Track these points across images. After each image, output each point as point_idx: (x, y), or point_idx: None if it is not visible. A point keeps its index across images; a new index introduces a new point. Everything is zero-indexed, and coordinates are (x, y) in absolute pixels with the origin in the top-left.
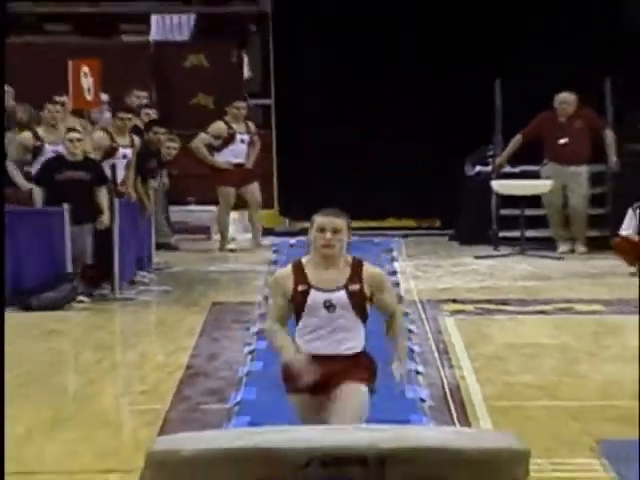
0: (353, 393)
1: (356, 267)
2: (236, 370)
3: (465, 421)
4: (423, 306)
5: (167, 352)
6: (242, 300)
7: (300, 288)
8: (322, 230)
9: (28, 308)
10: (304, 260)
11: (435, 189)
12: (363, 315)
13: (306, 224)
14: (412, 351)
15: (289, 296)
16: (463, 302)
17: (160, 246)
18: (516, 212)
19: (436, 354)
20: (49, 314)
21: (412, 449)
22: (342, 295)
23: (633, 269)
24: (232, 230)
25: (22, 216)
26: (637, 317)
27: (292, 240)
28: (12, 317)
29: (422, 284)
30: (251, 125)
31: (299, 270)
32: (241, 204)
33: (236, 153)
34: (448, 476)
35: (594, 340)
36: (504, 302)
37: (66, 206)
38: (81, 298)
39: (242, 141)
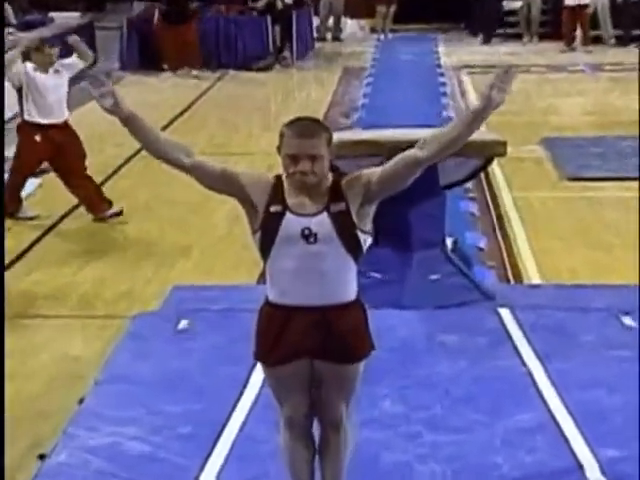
0: (345, 377)
1: (337, 183)
2: (355, 102)
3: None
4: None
5: (320, 93)
6: (360, 65)
7: (273, 209)
8: (295, 159)
9: (249, 70)
10: (285, 176)
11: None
12: (354, 247)
13: None
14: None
15: (259, 218)
16: (473, 67)
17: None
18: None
19: (457, 90)
20: (260, 74)
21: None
22: (323, 219)
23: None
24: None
25: (246, 21)
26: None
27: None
28: (242, 74)
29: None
30: None
31: (277, 187)
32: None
33: None
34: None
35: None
36: (494, 66)
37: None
38: (276, 66)
39: None
